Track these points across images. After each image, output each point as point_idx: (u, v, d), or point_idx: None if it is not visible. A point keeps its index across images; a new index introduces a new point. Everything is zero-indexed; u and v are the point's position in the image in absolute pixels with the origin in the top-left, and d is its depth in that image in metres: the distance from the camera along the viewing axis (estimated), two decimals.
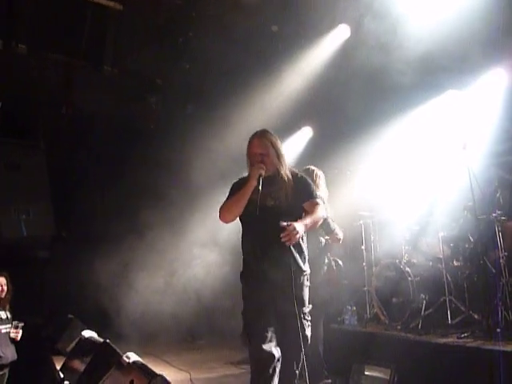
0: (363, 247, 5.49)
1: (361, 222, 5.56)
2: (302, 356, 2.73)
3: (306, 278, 2.85)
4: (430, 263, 4.80)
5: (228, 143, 5.58)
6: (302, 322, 2.75)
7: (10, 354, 3.55)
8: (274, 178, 2.84)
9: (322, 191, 4.05)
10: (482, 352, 3.51)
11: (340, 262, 4.65)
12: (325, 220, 4.01)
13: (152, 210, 5.89)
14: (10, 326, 3.58)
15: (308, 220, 2.78)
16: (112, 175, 6.54)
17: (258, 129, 2.96)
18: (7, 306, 3.73)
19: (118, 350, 3.54)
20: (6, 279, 3.76)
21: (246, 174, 2.88)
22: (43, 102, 6.02)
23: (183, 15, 5.58)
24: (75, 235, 6.45)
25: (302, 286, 2.82)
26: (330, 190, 4.30)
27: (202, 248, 5.87)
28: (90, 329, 4.07)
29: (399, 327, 4.50)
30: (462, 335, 3.88)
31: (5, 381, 3.56)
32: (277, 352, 2.71)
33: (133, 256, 5.87)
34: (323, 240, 4.05)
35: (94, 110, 6.25)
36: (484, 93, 5.16)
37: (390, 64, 5.03)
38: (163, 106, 6.64)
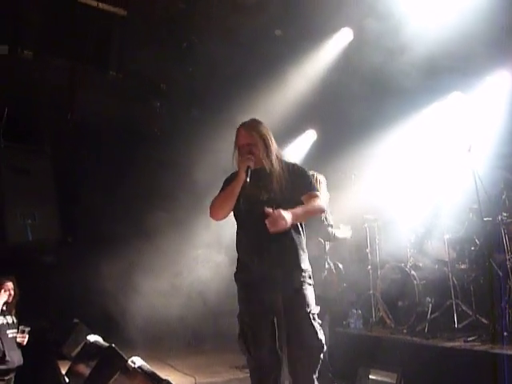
0: (368, 250, 5.47)
1: (366, 225, 5.54)
2: (319, 360, 2.50)
3: (308, 276, 2.60)
4: (436, 266, 4.77)
5: (232, 146, 5.57)
6: (311, 324, 2.49)
7: (17, 358, 3.56)
8: (266, 170, 2.62)
9: (322, 197, 4.05)
10: (489, 356, 3.48)
11: (340, 266, 4.62)
12: (323, 226, 4.00)
13: (158, 213, 5.90)
14: (16, 330, 3.59)
15: (299, 209, 2.51)
16: (117, 179, 6.56)
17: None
18: (13, 311, 3.74)
19: (124, 355, 3.55)
20: (14, 284, 3.78)
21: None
22: (48, 107, 6.06)
23: (187, 19, 5.61)
24: (81, 239, 6.47)
25: (304, 284, 2.56)
26: (334, 194, 4.30)
27: (208, 250, 5.87)
28: (96, 333, 4.08)
29: (405, 331, 4.48)
30: (469, 339, 3.85)
31: None
32: (277, 360, 2.51)
33: (139, 259, 5.88)
34: (323, 242, 4.04)
35: (99, 114, 6.28)
36: (488, 95, 5.14)
37: (394, 66, 5.02)
38: (168, 110, 6.67)
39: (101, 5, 4.90)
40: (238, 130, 2.69)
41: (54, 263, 6.06)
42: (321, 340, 2.52)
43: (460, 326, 4.22)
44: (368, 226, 5.53)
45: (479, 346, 3.71)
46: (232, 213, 2.66)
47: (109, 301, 5.42)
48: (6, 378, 3.52)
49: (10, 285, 3.76)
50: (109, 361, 3.55)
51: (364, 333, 4.83)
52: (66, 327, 5.22)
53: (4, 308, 3.63)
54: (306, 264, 2.62)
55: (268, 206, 2.47)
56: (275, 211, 2.40)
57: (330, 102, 6.19)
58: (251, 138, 2.63)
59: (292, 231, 2.58)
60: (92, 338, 3.96)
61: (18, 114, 5.84)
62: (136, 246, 5.80)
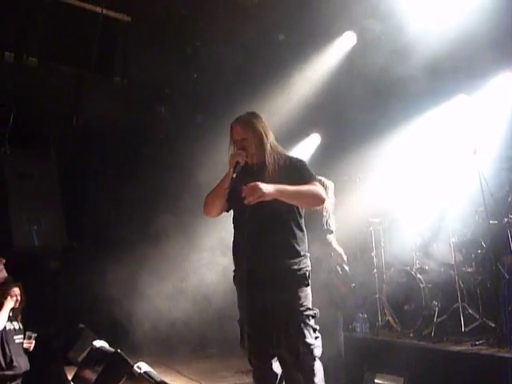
0: (373, 254, 5.46)
1: (371, 228, 5.53)
2: (312, 369, 2.30)
3: (302, 276, 2.42)
4: (442, 269, 4.75)
5: None
6: (300, 328, 2.32)
7: (24, 364, 3.57)
8: (260, 166, 2.51)
9: (328, 202, 4.04)
10: (496, 360, 3.45)
11: (346, 267, 4.59)
12: (323, 231, 3.98)
13: (164, 216, 5.91)
14: (22, 336, 3.60)
15: (288, 187, 2.34)
16: (122, 183, 6.59)
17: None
18: (19, 317, 3.75)
19: (129, 360, 3.55)
20: (20, 289, 3.79)
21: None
22: (54, 113, 6.09)
23: (191, 25, 5.64)
24: (87, 244, 6.49)
25: (297, 285, 2.40)
26: (339, 197, 4.29)
27: (214, 253, 5.86)
28: (102, 339, 4.09)
29: (412, 335, 4.45)
30: (476, 343, 3.82)
31: None
32: (279, 369, 2.41)
33: (144, 264, 5.88)
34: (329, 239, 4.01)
35: (104, 121, 6.31)
36: (493, 97, 5.13)
37: (398, 69, 5.02)
38: (172, 116, 6.69)
39: (105, 11, 4.94)
40: (232, 125, 2.62)
41: (60, 269, 6.07)
42: (309, 345, 2.32)
43: (467, 329, 4.19)
44: (373, 230, 5.52)
45: (487, 350, 3.67)
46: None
47: (114, 306, 5.43)
48: (14, 383, 3.53)
49: (16, 290, 3.77)
50: (115, 366, 3.55)
51: (370, 337, 4.81)
52: (71, 333, 5.22)
53: (10, 314, 3.64)
54: (300, 263, 2.44)
55: (259, 202, 2.31)
56: (251, 184, 2.28)
57: (334, 105, 6.19)
58: (244, 132, 2.55)
59: (283, 228, 2.45)
60: (98, 343, 3.97)
61: (24, 119, 5.88)
62: (142, 250, 5.80)
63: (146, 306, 5.53)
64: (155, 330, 5.59)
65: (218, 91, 6.24)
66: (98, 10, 4.93)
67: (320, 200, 2.48)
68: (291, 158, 2.60)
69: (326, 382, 2.43)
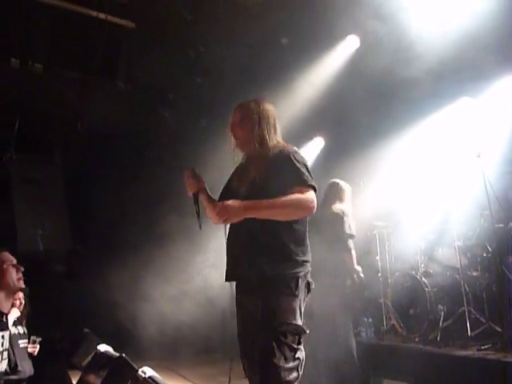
0: (378, 258, 5.43)
1: (375, 232, 5.51)
2: None
3: (285, 283, 2.06)
4: (447, 273, 4.72)
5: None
6: (270, 346, 1.95)
7: (28, 368, 3.57)
8: (249, 161, 2.28)
9: (347, 205, 4.02)
10: (502, 365, 3.43)
11: (362, 274, 4.55)
12: (345, 236, 3.94)
13: (169, 219, 5.91)
14: (27, 340, 3.60)
15: (261, 204, 2.04)
16: (127, 188, 6.61)
17: None
18: (24, 321, 3.76)
19: (134, 365, 3.54)
20: (25, 293, 3.80)
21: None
22: (58, 118, 6.14)
23: (194, 30, 5.66)
24: (91, 248, 6.51)
25: (271, 293, 2.04)
26: None
27: (219, 255, 5.85)
28: (106, 343, 4.08)
29: (417, 339, 4.43)
30: (483, 347, 3.80)
31: None
32: None
33: (149, 267, 5.89)
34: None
35: (109, 125, 6.35)
36: (497, 99, 5.10)
37: (402, 72, 5.01)
38: (176, 120, 6.72)
39: (109, 17, 4.97)
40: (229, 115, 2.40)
41: (65, 273, 6.10)
42: (276, 367, 1.93)
43: (473, 334, 4.16)
44: (378, 233, 5.50)
45: (493, 355, 3.65)
46: None
47: (119, 310, 5.43)
48: None
49: (20, 294, 3.78)
50: (119, 371, 3.55)
51: (375, 341, 4.78)
52: (76, 337, 5.23)
53: (15, 318, 3.65)
54: (286, 268, 2.08)
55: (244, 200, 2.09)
56: (222, 203, 2.08)
57: (338, 108, 6.19)
58: (236, 116, 2.33)
59: (258, 229, 2.11)
60: (102, 347, 3.97)
61: (29, 125, 5.92)
62: (146, 253, 5.81)
63: (150, 309, 5.53)
64: (160, 333, 5.59)
65: (221, 95, 6.25)
66: (102, 16, 4.96)
67: (302, 212, 2.13)
68: (281, 151, 2.21)
69: None
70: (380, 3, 4.79)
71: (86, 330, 5.26)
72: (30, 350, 3.58)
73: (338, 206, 4.05)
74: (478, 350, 3.78)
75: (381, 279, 5.27)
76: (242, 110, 2.34)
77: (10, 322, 3.04)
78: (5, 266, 2.67)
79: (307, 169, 2.20)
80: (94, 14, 4.95)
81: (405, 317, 4.69)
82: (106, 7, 4.93)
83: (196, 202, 2.33)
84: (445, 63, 4.90)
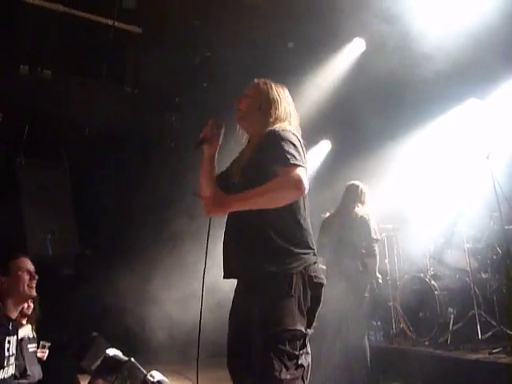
0: (386, 261, 5.40)
1: (383, 234, 5.47)
2: None
3: (271, 283, 1.82)
4: (457, 276, 4.69)
5: None
6: (268, 356, 1.74)
7: (37, 372, 3.58)
8: (247, 146, 2.10)
9: (366, 208, 3.98)
10: None
11: (380, 281, 4.48)
12: (372, 240, 3.89)
13: (178, 222, 5.92)
14: (36, 344, 3.62)
15: (244, 196, 1.84)
16: (135, 191, 6.64)
17: None
18: (34, 326, 3.78)
19: (143, 369, 3.55)
20: (34, 299, 3.82)
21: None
22: (67, 123, 6.19)
23: (200, 34, 5.70)
24: (99, 252, 6.54)
25: (263, 297, 1.82)
26: None
27: None
28: (115, 346, 4.09)
29: (427, 343, 4.39)
30: (493, 351, 3.75)
31: None
32: None
33: (157, 270, 5.89)
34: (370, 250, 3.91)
35: (116, 130, 6.40)
36: (506, 101, 5.07)
37: (409, 74, 5.00)
38: (182, 124, 6.75)
39: (117, 23, 5.02)
40: None
41: (73, 276, 6.13)
42: (277, 380, 1.71)
43: (484, 337, 4.12)
44: (386, 236, 5.47)
45: (504, 358, 3.60)
46: None
47: (127, 314, 5.44)
48: None
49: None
50: (128, 375, 3.55)
51: (385, 345, 4.75)
52: (84, 341, 5.25)
53: (24, 322, 3.68)
54: (269, 266, 1.83)
55: (235, 190, 1.94)
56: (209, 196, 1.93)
57: (345, 111, 6.18)
58: (246, 90, 2.19)
59: (244, 222, 1.90)
60: (111, 351, 3.97)
61: (38, 130, 5.98)
62: (154, 256, 5.82)
63: (158, 313, 5.53)
64: (168, 337, 5.58)
65: (227, 99, 6.27)
66: (110, 22, 5.02)
67: (289, 194, 1.83)
68: (268, 133, 1.96)
69: None
70: (387, 6, 4.79)
71: (95, 333, 5.27)
72: (39, 354, 3.59)
73: (362, 210, 3.97)
74: (489, 353, 3.74)
75: (389, 282, 5.24)
76: (252, 85, 2.21)
77: (20, 334, 3.05)
78: (19, 273, 2.68)
79: (294, 146, 1.89)
80: (102, 20, 5.01)
81: (414, 320, 4.65)
82: (113, 13, 4.98)
83: (199, 145, 2.09)
84: (452, 64, 4.88)
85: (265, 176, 1.83)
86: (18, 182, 5.84)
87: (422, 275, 4.75)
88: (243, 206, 1.86)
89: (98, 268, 6.06)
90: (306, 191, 1.83)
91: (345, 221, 3.89)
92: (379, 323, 4.96)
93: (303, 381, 1.80)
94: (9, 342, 2.55)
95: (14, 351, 2.65)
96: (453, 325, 4.31)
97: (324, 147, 6.94)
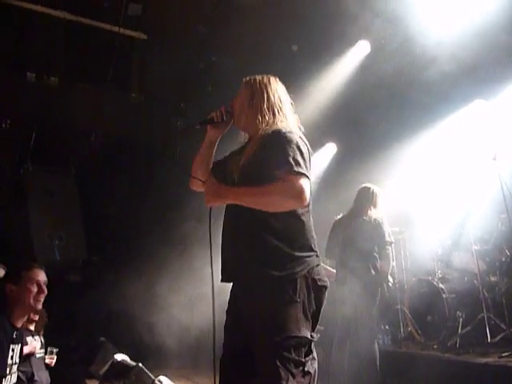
0: (394, 264, 5.35)
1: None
2: None
3: (274, 288, 1.74)
4: (465, 279, 4.64)
5: None
6: (273, 366, 1.67)
7: (45, 378, 3.60)
8: (246, 143, 2.03)
9: (380, 210, 3.96)
10: None
11: (390, 284, 4.33)
12: (386, 242, 3.87)
13: (185, 228, 5.93)
14: (44, 351, 3.64)
15: (246, 193, 1.80)
16: (141, 197, 6.67)
17: None
18: (41, 332, 3.80)
19: (150, 374, 3.55)
20: (38, 311, 3.82)
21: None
22: (73, 130, 6.24)
23: (205, 40, 5.73)
24: (106, 258, 6.57)
25: (267, 303, 1.74)
26: None
27: None
28: (122, 352, 4.10)
29: (436, 346, 4.35)
30: (503, 354, 3.70)
31: None
32: None
33: (164, 276, 5.90)
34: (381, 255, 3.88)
35: (122, 136, 6.44)
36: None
37: (414, 76, 4.98)
38: (187, 128, 6.77)
39: (122, 30, 5.06)
40: None
41: (81, 283, 6.15)
42: None
43: (493, 340, 4.07)
44: (393, 239, 5.43)
45: None
46: None
47: (134, 319, 5.45)
48: None
49: None
50: (136, 380, 3.56)
51: (393, 349, 4.71)
52: (92, 346, 5.27)
53: (32, 328, 3.69)
54: (286, 268, 1.75)
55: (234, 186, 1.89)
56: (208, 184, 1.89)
57: (350, 114, 6.17)
58: (240, 88, 2.09)
59: (252, 226, 1.81)
60: (119, 356, 3.99)
61: (45, 137, 6.03)
62: (161, 262, 5.82)
63: (165, 318, 5.53)
64: (176, 342, 5.58)
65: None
66: (115, 29, 5.06)
67: (288, 203, 1.77)
68: (272, 133, 1.88)
69: None
70: (391, 8, 4.78)
71: (102, 338, 5.29)
72: (47, 361, 3.61)
73: (375, 213, 3.93)
74: (499, 357, 3.69)
75: (397, 285, 5.20)
76: (246, 81, 2.11)
77: (25, 350, 3.05)
78: (28, 285, 2.68)
79: (300, 152, 1.81)
80: (108, 27, 5.05)
81: (422, 323, 4.61)
82: (118, 20, 5.02)
83: (205, 123, 2.08)
84: (458, 65, 4.86)
85: (265, 176, 1.78)
86: (25, 187, 5.89)
87: (429, 278, 4.71)
88: (238, 200, 1.82)
89: (106, 274, 6.09)
90: (307, 203, 1.78)
91: (356, 223, 3.87)
92: (387, 327, 4.93)
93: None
94: (13, 350, 2.55)
95: (18, 360, 2.65)
96: (461, 328, 4.27)
97: (330, 150, 6.92)
